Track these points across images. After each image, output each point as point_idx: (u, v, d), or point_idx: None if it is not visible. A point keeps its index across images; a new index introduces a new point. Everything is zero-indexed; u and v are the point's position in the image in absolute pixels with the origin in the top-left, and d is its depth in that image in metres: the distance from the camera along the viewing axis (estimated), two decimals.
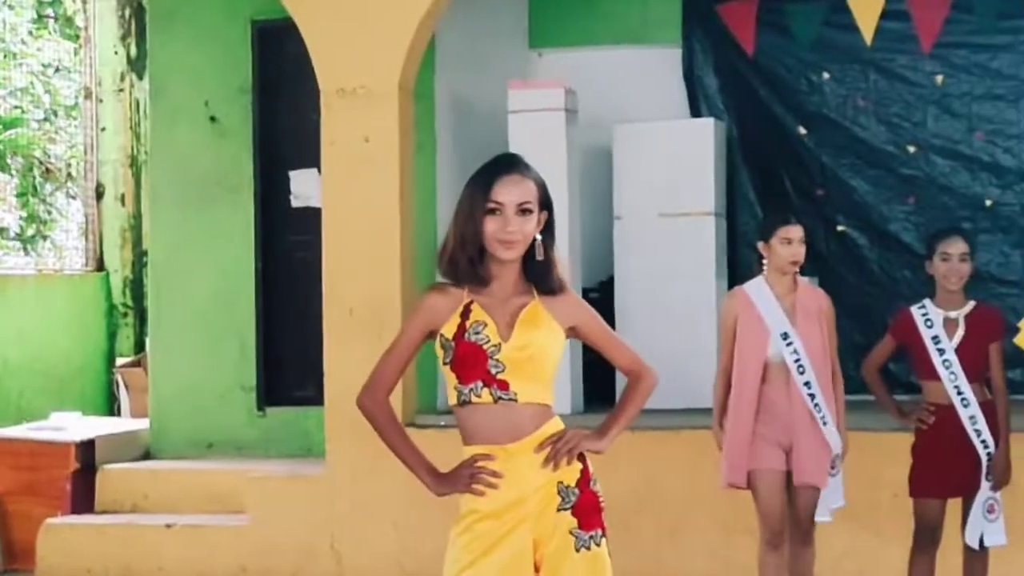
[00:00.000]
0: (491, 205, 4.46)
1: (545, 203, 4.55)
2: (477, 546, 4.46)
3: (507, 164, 4.57)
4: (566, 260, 4.75)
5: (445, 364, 4.51)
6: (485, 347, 4.45)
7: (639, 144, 11.52)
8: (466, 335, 4.45)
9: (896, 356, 7.85)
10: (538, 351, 4.49)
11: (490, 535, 4.45)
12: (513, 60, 12.26)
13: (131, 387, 12.94)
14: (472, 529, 4.49)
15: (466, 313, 4.48)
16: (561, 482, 4.47)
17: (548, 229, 4.57)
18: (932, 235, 7.83)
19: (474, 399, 4.46)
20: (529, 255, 4.55)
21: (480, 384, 4.45)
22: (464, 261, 4.49)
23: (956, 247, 7.37)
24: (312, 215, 10.87)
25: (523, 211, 4.47)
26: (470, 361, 4.45)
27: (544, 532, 4.44)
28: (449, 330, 4.48)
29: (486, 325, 4.46)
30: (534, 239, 4.53)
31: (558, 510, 4.45)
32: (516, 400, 4.44)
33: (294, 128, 11.51)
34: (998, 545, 7.33)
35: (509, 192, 4.47)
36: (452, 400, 4.55)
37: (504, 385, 4.44)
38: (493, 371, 4.44)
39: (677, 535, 9.31)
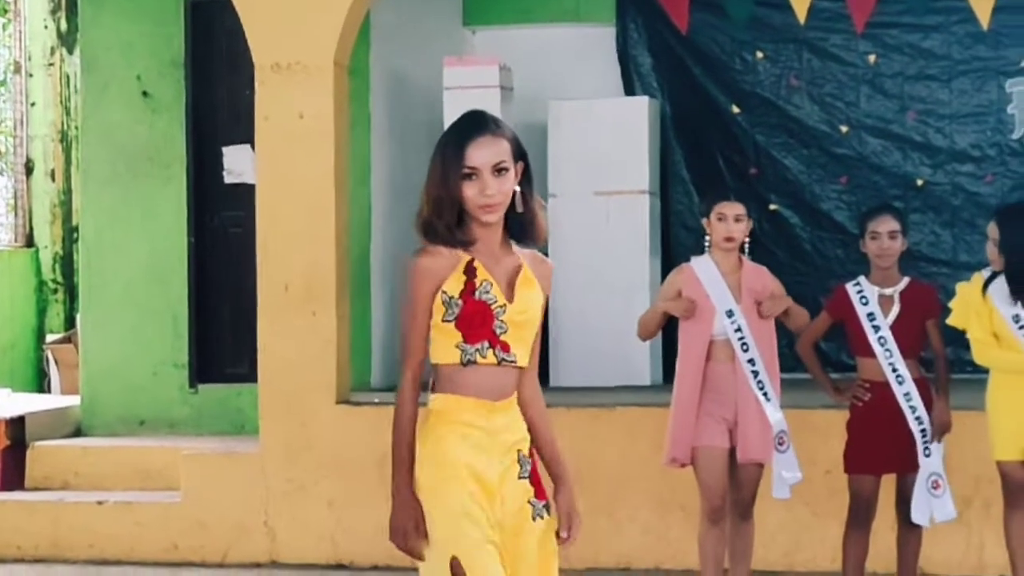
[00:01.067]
0: (466, 170, 4.34)
1: (520, 155, 4.43)
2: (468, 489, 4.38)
3: (477, 125, 4.40)
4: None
5: (447, 322, 4.39)
6: (493, 307, 4.37)
7: (573, 122, 11.54)
8: (476, 293, 4.36)
9: (828, 335, 7.86)
10: (533, 315, 4.46)
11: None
12: (448, 37, 12.31)
13: (61, 363, 12.92)
14: (459, 477, 4.34)
15: (471, 271, 4.38)
16: (520, 451, 4.43)
17: (527, 179, 4.46)
18: (863, 214, 7.93)
19: (479, 360, 4.37)
20: (509, 208, 4.45)
21: (486, 344, 4.36)
22: (442, 227, 4.38)
23: (885, 225, 7.39)
24: (246, 191, 10.86)
25: (499, 171, 4.36)
26: (478, 320, 4.36)
27: (509, 498, 4.40)
28: (454, 287, 4.36)
29: (493, 285, 4.38)
30: (513, 192, 4.43)
31: (519, 478, 4.41)
32: (516, 364, 4.41)
33: (228, 103, 11.51)
34: (949, 519, 7.36)
35: (483, 155, 4.34)
36: (450, 359, 4.41)
37: (506, 347, 4.39)
38: (498, 332, 4.37)
39: (613, 512, 9.28)
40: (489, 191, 4.33)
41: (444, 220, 4.37)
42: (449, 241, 4.38)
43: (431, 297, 4.40)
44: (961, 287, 7.44)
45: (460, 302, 4.35)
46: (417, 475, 4.40)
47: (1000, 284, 7.19)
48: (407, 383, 4.45)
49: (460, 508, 4.31)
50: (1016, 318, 7.12)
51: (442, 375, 4.42)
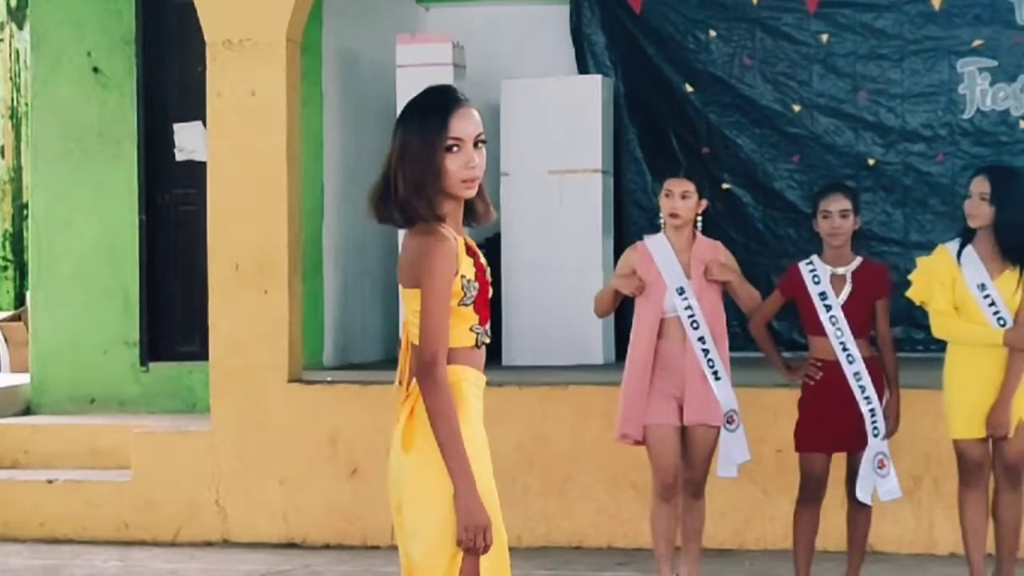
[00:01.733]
0: (450, 142, 4.17)
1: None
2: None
3: (456, 97, 4.27)
4: None
5: (465, 305, 4.23)
6: (490, 288, 4.31)
7: (526, 100, 11.52)
8: (486, 274, 4.29)
9: (780, 314, 7.85)
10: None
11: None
12: (400, 14, 12.28)
13: (11, 341, 12.99)
14: (487, 457, 4.25)
15: (471, 252, 4.28)
16: None
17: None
18: (816, 193, 7.90)
19: (485, 340, 4.30)
20: None
21: (488, 325, 4.31)
22: (423, 206, 4.18)
23: (837, 204, 7.36)
24: (197, 168, 10.90)
25: (480, 143, 4.23)
26: (486, 301, 4.28)
27: None
28: (469, 270, 4.23)
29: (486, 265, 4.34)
30: None
31: None
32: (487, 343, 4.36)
33: (179, 80, 11.52)
34: (894, 499, 7.41)
35: (466, 126, 4.21)
36: (466, 343, 4.26)
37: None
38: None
39: (564, 490, 9.36)
40: (472, 163, 4.19)
41: (425, 197, 4.19)
42: (426, 219, 4.21)
43: (453, 280, 4.24)
44: (922, 260, 7.47)
45: (476, 284, 4.24)
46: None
47: (970, 252, 7.20)
48: (445, 374, 4.19)
49: (492, 488, 4.21)
50: (982, 286, 7.14)
51: (454, 358, 4.22)
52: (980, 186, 7.23)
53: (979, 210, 7.20)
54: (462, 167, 4.17)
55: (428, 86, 4.38)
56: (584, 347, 10.94)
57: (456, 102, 4.22)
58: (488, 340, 4.30)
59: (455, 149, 4.16)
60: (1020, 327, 7.14)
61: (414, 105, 4.28)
